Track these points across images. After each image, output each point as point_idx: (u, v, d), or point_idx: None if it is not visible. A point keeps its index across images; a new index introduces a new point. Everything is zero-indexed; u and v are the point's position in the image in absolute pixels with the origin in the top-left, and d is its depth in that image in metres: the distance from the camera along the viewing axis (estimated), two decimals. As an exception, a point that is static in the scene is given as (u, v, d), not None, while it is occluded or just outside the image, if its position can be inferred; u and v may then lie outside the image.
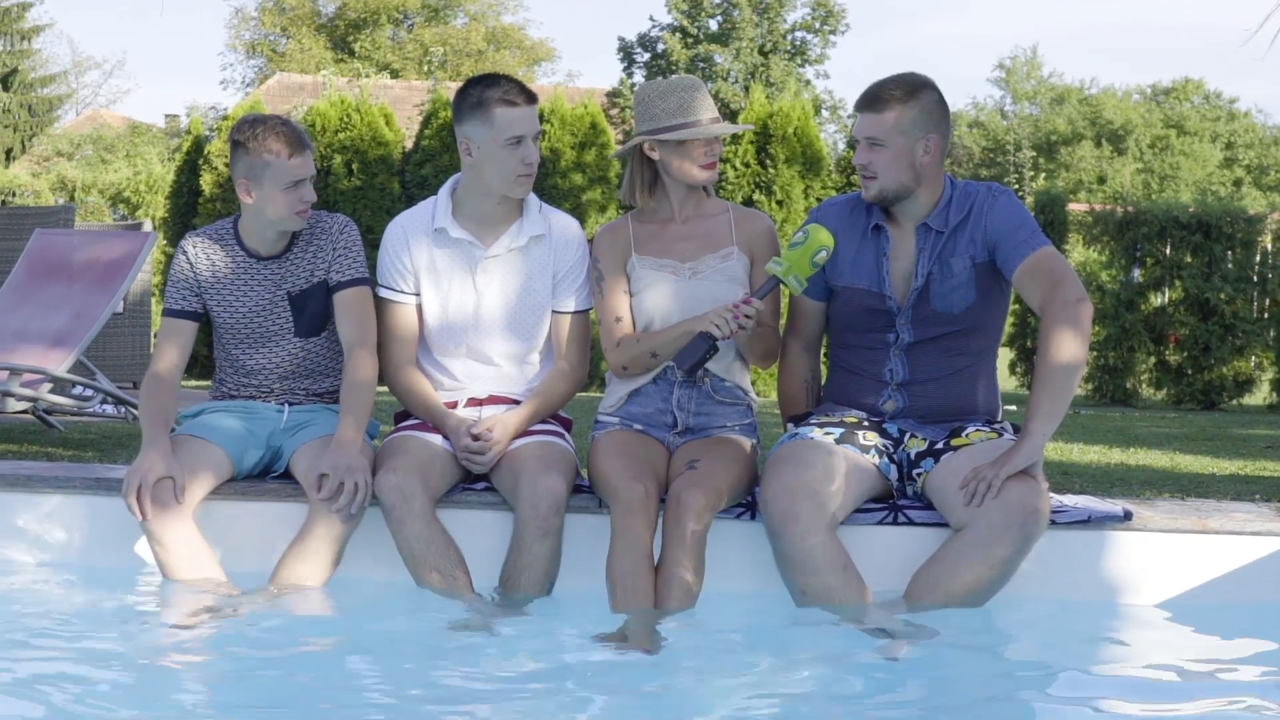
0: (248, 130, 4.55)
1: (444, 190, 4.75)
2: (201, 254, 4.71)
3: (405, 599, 4.35)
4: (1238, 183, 54.27)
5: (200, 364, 13.86)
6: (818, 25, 45.14)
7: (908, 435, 4.48)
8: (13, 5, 36.15)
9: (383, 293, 4.73)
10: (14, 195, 24.67)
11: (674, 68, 41.59)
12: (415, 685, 3.69)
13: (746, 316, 4.33)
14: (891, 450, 4.47)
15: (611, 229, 4.73)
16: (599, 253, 4.68)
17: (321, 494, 4.31)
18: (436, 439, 4.57)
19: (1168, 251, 14.93)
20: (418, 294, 4.71)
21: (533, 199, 4.72)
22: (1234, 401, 15.12)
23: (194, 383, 13.25)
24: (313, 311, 4.72)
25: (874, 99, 4.39)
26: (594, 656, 3.87)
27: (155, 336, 13.37)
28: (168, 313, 4.72)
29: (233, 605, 4.21)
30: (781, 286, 4.43)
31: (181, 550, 4.33)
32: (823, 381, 4.79)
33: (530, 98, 4.54)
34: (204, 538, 4.39)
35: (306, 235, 4.71)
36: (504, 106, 4.49)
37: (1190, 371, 14.92)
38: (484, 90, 4.52)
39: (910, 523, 4.41)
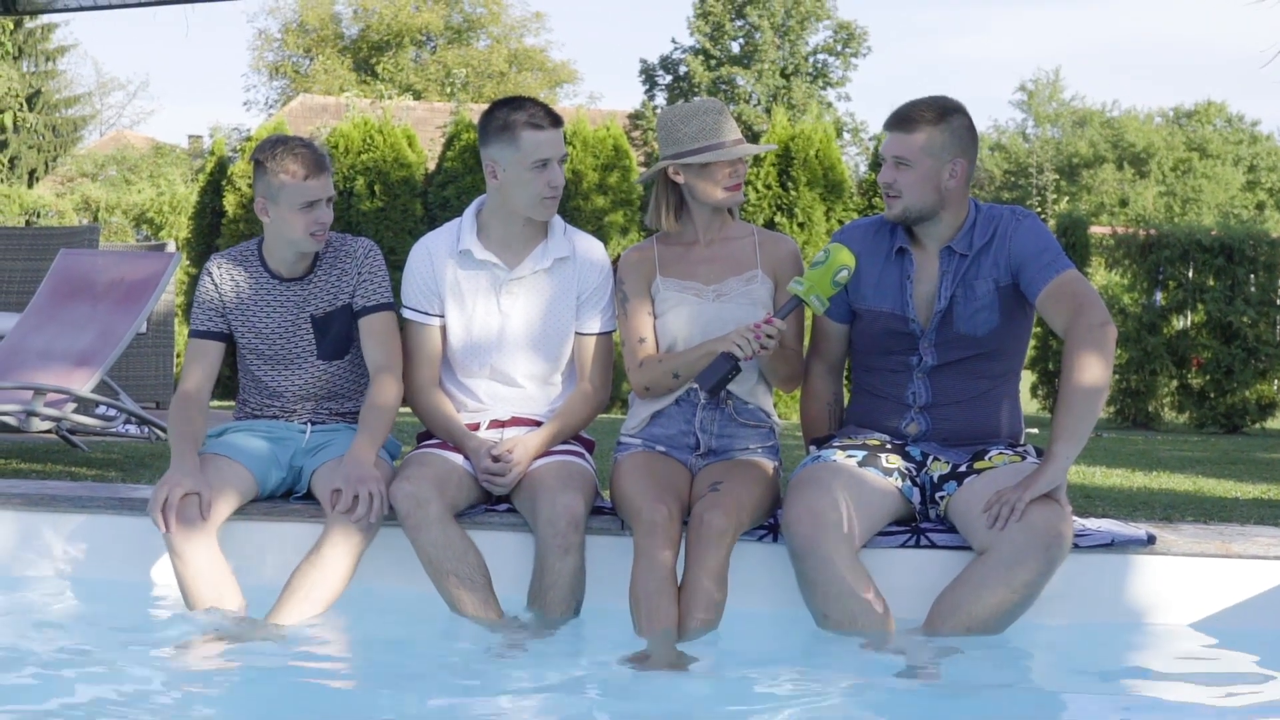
0: (268, 150, 4.59)
1: (469, 212, 4.76)
2: (226, 275, 4.74)
3: (434, 619, 4.35)
4: (1260, 206, 54.17)
5: (223, 384, 13.88)
6: (839, 48, 45.26)
7: (930, 458, 4.48)
8: (38, 26, 36.33)
9: (407, 314, 4.75)
10: (38, 215, 24.77)
11: (696, 90, 41.68)
12: (440, 707, 3.69)
13: (768, 336, 4.33)
14: (914, 473, 4.46)
15: (637, 251, 4.74)
16: (624, 274, 4.69)
17: (338, 507, 4.32)
18: (457, 457, 4.58)
19: (1190, 275, 14.88)
20: (442, 315, 4.72)
21: (557, 221, 4.73)
22: (1257, 425, 15.05)
23: (216, 403, 13.27)
24: (336, 335, 4.74)
25: (904, 119, 4.39)
26: (619, 677, 3.87)
27: (179, 357, 13.43)
28: (194, 334, 4.74)
29: (252, 626, 4.22)
30: (804, 306, 4.43)
31: (202, 567, 4.33)
32: (845, 404, 4.79)
33: (556, 121, 4.56)
34: (225, 557, 4.40)
35: (330, 258, 4.73)
36: (530, 130, 4.51)
37: (1213, 395, 14.86)
38: (510, 113, 4.54)
39: (933, 546, 4.40)
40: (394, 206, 14.82)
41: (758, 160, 14.39)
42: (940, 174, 4.37)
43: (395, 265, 11.97)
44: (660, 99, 43.83)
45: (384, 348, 4.69)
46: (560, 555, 4.32)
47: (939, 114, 4.38)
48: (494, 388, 4.73)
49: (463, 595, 4.35)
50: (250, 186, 14.97)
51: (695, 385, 4.46)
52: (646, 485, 4.36)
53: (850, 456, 4.41)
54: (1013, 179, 55.12)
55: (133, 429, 8.51)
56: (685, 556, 4.25)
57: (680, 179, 4.60)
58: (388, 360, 4.67)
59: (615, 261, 4.78)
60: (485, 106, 4.71)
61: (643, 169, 15.64)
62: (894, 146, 4.40)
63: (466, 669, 4.02)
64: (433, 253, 4.74)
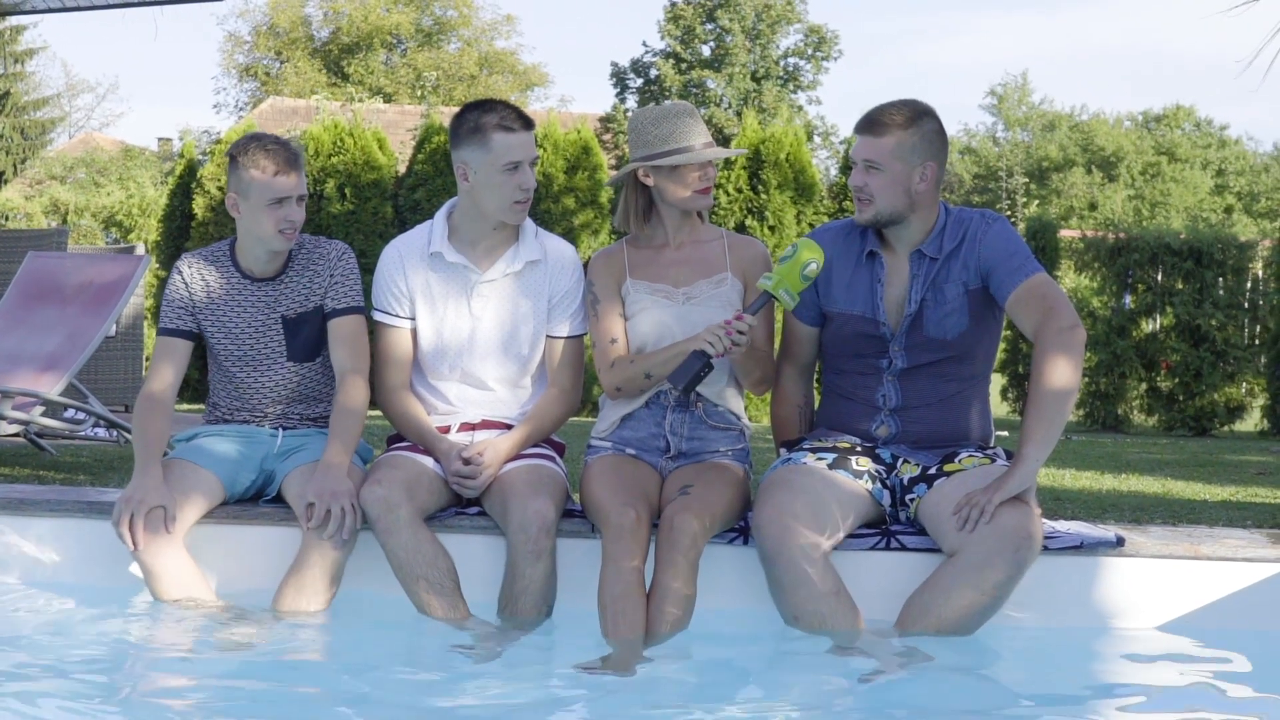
0: (241, 146, 4.60)
1: (440, 214, 4.76)
2: (196, 274, 4.72)
3: (401, 620, 4.35)
4: (1228, 209, 54.38)
5: (192, 388, 13.84)
6: (810, 51, 45.31)
7: (900, 461, 4.49)
8: (6, 28, 36.14)
9: (378, 316, 4.74)
10: (6, 218, 24.67)
11: (667, 93, 41.72)
12: (408, 708, 3.68)
13: (739, 333, 4.33)
14: (884, 476, 4.47)
15: (606, 254, 4.73)
16: (594, 276, 4.69)
17: (311, 524, 4.31)
18: (427, 460, 4.58)
19: (1159, 278, 14.94)
20: (413, 318, 4.71)
21: (529, 224, 4.73)
22: (1225, 428, 15.12)
23: (185, 406, 13.23)
24: (307, 336, 4.73)
25: (874, 123, 4.40)
26: (586, 679, 3.86)
27: (148, 359, 13.38)
28: (162, 331, 4.72)
29: (226, 629, 4.21)
30: (774, 304, 4.43)
31: (173, 578, 4.33)
32: (815, 407, 4.79)
33: (527, 123, 4.56)
34: (195, 563, 4.39)
35: (303, 259, 4.72)
36: (501, 132, 4.51)
37: (1181, 398, 14.92)
38: (481, 115, 4.54)
39: (903, 548, 4.41)
40: (364, 209, 14.80)
41: (728, 163, 14.42)
42: (910, 177, 4.38)
43: (366, 268, 11.96)
44: (631, 102, 43.84)
45: (351, 351, 4.69)
46: (532, 561, 4.31)
47: (909, 118, 4.39)
48: (464, 390, 4.73)
49: (432, 599, 4.34)
50: (220, 189, 14.93)
51: (669, 385, 4.45)
52: (616, 489, 4.35)
53: (820, 459, 4.42)
54: (982, 183, 55.26)
55: (101, 432, 8.48)
56: (655, 559, 4.25)
57: (650, 181, 4.60)
58: (355, 363, 4.67)
59: (586, 264, 4.78)
60: (456, 109, 4.70)
61: (613, 171, 15.63)
62: (864, 150, 4.41)
63: (435, 670, 4.01)
64: (404, 255, 4.74)
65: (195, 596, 4.34)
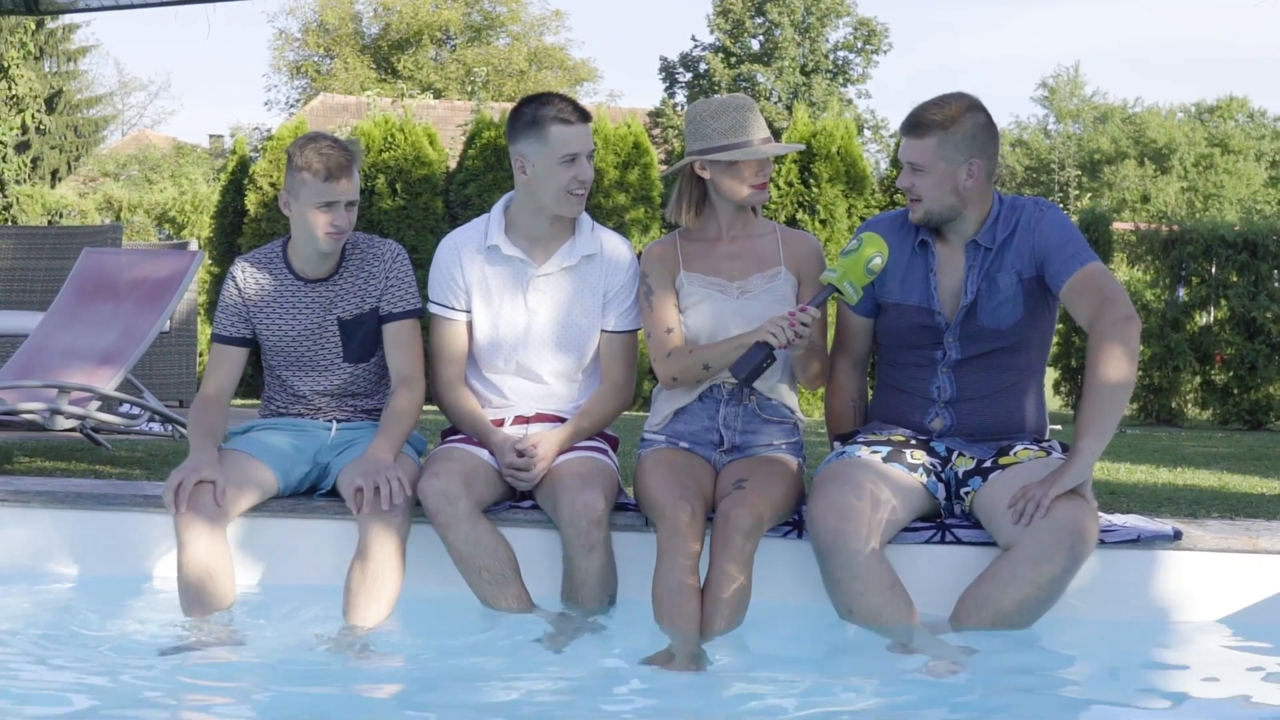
0: (299, 145, 4.60)
1: (497, 208, 4.77)
2: (250, 278, 4.74)
3: (466, 614, 4.36)
4: (1283, 201, 53.90)
5: (246, 383, 13.91)
6: (860, 45, 45.16)
7: (955, 454, 4.47)
8: (59, 27, 36.39)
9: (434, 309, 4.75)
10: (61, 215, 24.85)
11: (716, 87, 41.65)
12: (473, 701, 3.69)
13: (803, 325, 4.31)
14: (939, 469, 4.45)
15: (660, 245, 4.73)
16: (648, 267, 4.68)
17: (362, 508, 4.31)
18: (482, 453, 4.59)
19: (1213, 270, 14.83)
20: (469, 311, 4.72)
21: (585, 218, 4.73)
22: (1280, 421, 15.01)
23: (240, 402, 13.30)
24: (363, 338, 4.74)
25: (916, 124, 4.38)
26: (645, 673, 3.87)
27: (201, 355, 13.46)
28: (216, 339, 4.74)
29: (246, 629, 4.23)
30: (837, 295, 4.40)
31: (201, 556, 4.27)
32: (870, 400, 4.78)
33: (584, 116, 4.57)
34: (228, 552, 4.36)
35: (357, 260, 4.73)
36: (559, 124, 4.51)
37: (1236, 391, 14.81)
38: (539, 108, 4.54)
39: (958, 542, 4.39)
40: (415, 205, 14.84)
41: (780, 158, 14.39)
42: (956, 175, 4.36)
43: (417, 264, 11.99)
44: (680, 97, 43.81)
45: (407, 356, 4.70)
46: (585, 553, 4.32)
47: (950, 116, 4.35)
48: (519, 384, 4.73)
49: (495, 590, 4.36)
50: (272, 185, 15.00)
51: (731, 376, 4.42)
52: (670, 483, 4.35)
53: (875, 452, 4.40)
54: (1034, 175, 54.99)
55: (156, 427, 8.53)
56: (710, 553, 4.24)
57: (706, 175, 4.59)
58: (410, 369, 4.68)
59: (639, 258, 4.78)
60: (505, 105, 4.73)
61: (663, 166, 15.62)
62: (908, 152, 4.39)
63: (499, 663, 4.02)
64: (460, 248, 4.75)
65: (214, 581, 4.28)
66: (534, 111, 4.54)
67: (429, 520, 4.38)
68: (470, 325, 4.74)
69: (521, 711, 3.65)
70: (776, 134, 30.59)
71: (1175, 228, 15.16)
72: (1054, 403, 15.12)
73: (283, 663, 4.01)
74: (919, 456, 4.42)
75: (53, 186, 32.46)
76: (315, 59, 50.11)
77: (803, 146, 4.79)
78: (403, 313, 4.73)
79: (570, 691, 3.78)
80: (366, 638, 4.16)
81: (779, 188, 14.51)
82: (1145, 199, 52.01)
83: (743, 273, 4.61)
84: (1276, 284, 14.75)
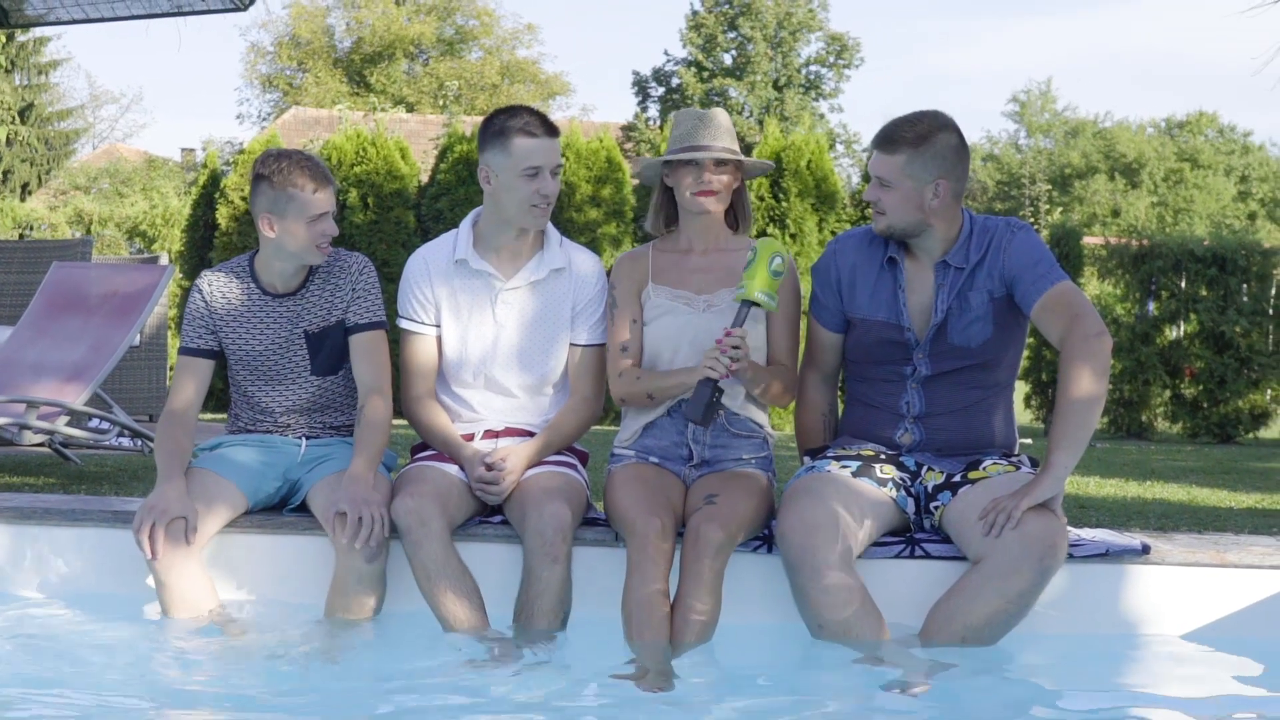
0: (272, 164, 4.57)
1: (466, 222, 4.78)
2: (217, 291, 4.73)
3: (419, 633, 4.34)
4: (1252, 216, 54.17)
5: (216, 397, 13.87)
6: (832, 59, 45.23)
7: (925, 468, 4.47)
8: (30, 40, 36.30)
9: (403, 324, 4.75)
10: (31, 229, 24.77)
11: (688, 101, 41.68)
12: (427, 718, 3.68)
13: (734, 348, 4.33)
14: (909, 483, 4.46)
15: (632, 256, 4.75)
16: (615, 278, 4.70)
17: (344, 537, 4.31)
18: (453, 469, 4.58)
19: (1183, 285, 14.91)
20: (438, 325, 4.73)
21: (553, 233, 4.75)
22: (1250, 435, 15.09)
23: (208, 415, 13.26)
24: (329, 350, 4.73)
25: (887, 139, 4.39)
26: (609, 693, 3.86)
27: (171, 369, 13.40)
28: (184, 350, 4.73)
29: (236, 642, 4.23)
30: (756, 308, 4.43)
31: (185, 591, 4.34)
32: (839, 415, 4.79)
33: (551, 130, 4.58)
34: (209, 580, 4.40)
35: (324, 273, 4.73)
36: (523, 137, 4.53)
37: (1206, 405, 14.89)
38: (506, 120, 4.56)
39: (927, 556, 4.40)
40: (387, 219, 14.83)
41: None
42: (922, 194, 4.37)
43: (389, 277, 11.98)
44: (653, 111, 43.79)
45: (374, 366, 4.69)
46: (548, 564, 4.31)
47: (921, 135, 4.36)
48: (488, 398, 4.73)
49: (458, 612, 4.34)
50: (243, 199, 14.95)
51: (688, 420, 4.44)
52: (640, 498, 4.35)
53: (844, 467, 4.41)
54: (1005, 189, 55.14)
55: (125, 442, 8.50)
56: (680, 568, 4.24)
57: (670, 182, 4.63)
58: (377, 379, 4.67)
59: (610, 270, 4.79)
60: (478, 119, 4.74)
61: (635, 180, 15.63)
62: (876, 166, 4.41)
63: (454, 681, 4.00)
64: (429, 263, 4.75)
65: (201, 613, 4.35)
66: (501, 123, 4.56)
67: (400, 538, 4.37)
68: (439, 340, 4.74)
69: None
70: (748, 149, 30.62)
71: (1145, 242, 15.24)
72: (1024, 417, 15.18)
73: (254, 675, 4.00)
74: (889, 471, 4.43)
75: (23, 200, 32.35)
76: (288, 72, 50.02)
77: (724, 153, 4.67)
78: (368, 324, 4.72)
79: (529, 709, 3.76)
80: (346, 654, 4.17)
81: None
82: (1115, 213, 52.21)
83: (710, 286, 4.62)
84: (1245, 298, 14.85)
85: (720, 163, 4.59)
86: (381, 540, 4.33)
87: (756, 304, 4.39)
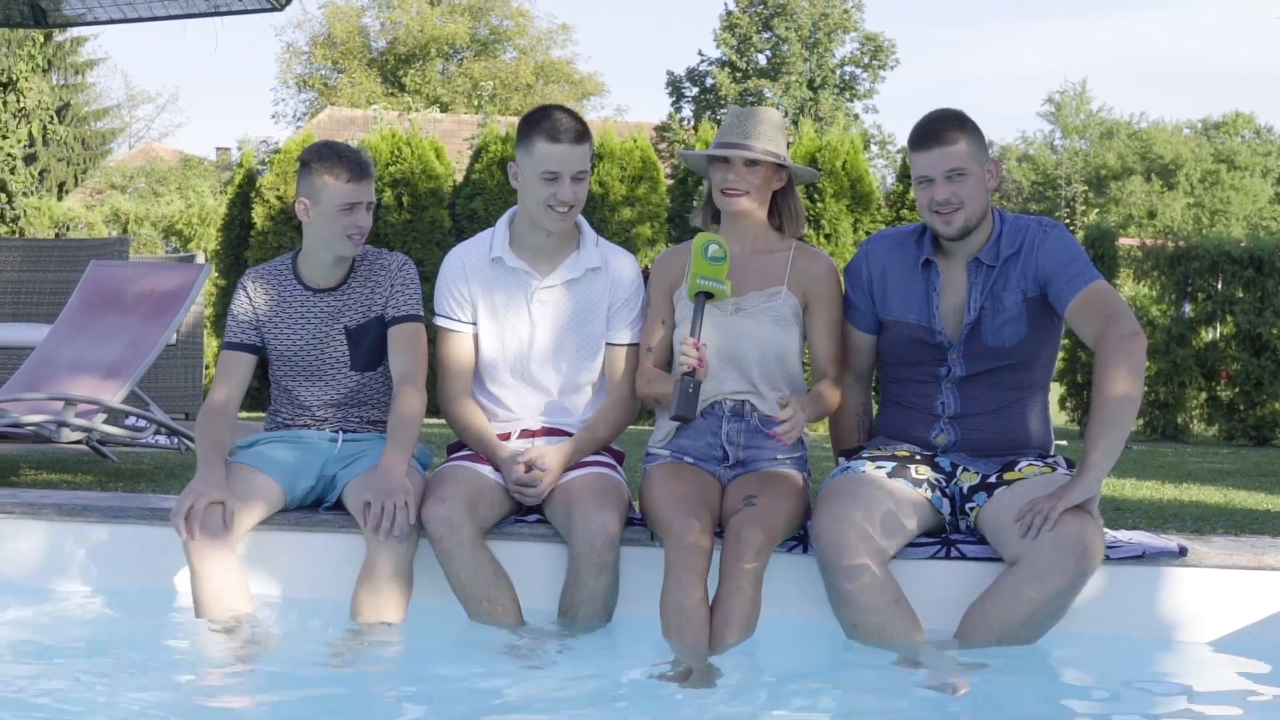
0: (314, 152, 4.66)
1: (502, 221, 4.79)
2: (260, 290, 4.77)
3: (458, 628, 4.35)
4: (1289, 217, 53.85)
5: (252, 397, 13.92)
6: (867, 60, 45.16)
7: (960, 469, 4.47)
8: (67, 39, 36.43)
9: (440, 322, 4.76)
10: (68, 228, 24.88)
11: (723, 102, 41.67)
12: (467, 712, 3.68)
13: (684, 354, 4.36)
14: (944, 484, 4.45)
15: (672, 253, 4.76)
16: (652, 276, 4.72)
17: (369, 525, 4.33)
18: (487, 470, 4.58)
19: (1219, 286, 14.83)
20: (474, 323, 4.74)
21: (589, 232, 4.75)
22: (1286, 438, 14.99)
23: (245, 414, 13.31)
24: (369, 345, 4.76)
25: (940, 134, 4.36)
26: (648, 688, 3.87)
27: (208, 368, 13.46)
28: (226, 346, 4.77)
29: (265, 638, 4.25)
30: (711, 297, 4.43)
31: (216, 579, 4.34)
32: (874, 415, 4.78)
33: (577, 137, 4.57)
34: (242, 574, 4.40)
35: (365, 270, 4.76)
36: (545, 141, 4.54)
37: (1242, 407, 14.80)
38: (537, 120, 4.59)
39: (963, 557, 4.39)
40: (422, 218, 14.85)
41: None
42: (985, 179, 4.38)
43: (424, 277, 11.95)
44: (687, 111, 43.79)
45: (409, 358, 4.71)
46: (595, 573, 4.32)
47: (962, 120, 4.39)
48: (524, 397, 4.74)
49: (494, 614, 4.34)
50: (279, 199, 15.01)
51: (671, 418, 4.46)
52: (676, 499, 4.35)
53: (879, 468, 4.40)
54: (1041, 190, 54.99)
55: (162, 440, 8.52)
56: (720, 569, 4.24)
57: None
58: (411, 370, 4.69)
59: (646, 270, 4.79)
60: (512, 119, 4.77)
61: (669, 180, 15.62)
62: (943, 162, 4.36)
63: (493, 675, 4.00)
64: (466, 261, 4.77)
65: (231, 603, 4.34)
66: (532, 122, 4.58)
67: (431, 546, 4.38)
68: (476, 338, 4.75)
69: (522, 717, 3.65)
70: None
71: (1181, 243, 15.16)
72: (1060, 418, 15.11)
73: (289, 673, 4.01)
74: (924, 472, 4.42)
75: (60, 199, 32.48)
76: (322, 72, 50.18)
77: (751, 153, 4.62)
78: (405, 316, 4.75)
79: (571, 701, 3.77)
80: (374, 646, 4.18)
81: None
82: (1151, 214, 51.97)
83: (741, 290, 4.60)
84: (1282, 300, 14.74)
85: (753, 162, 4.58)
86: (406, 530, 4.34)
87: (709, 294, 4.40)
